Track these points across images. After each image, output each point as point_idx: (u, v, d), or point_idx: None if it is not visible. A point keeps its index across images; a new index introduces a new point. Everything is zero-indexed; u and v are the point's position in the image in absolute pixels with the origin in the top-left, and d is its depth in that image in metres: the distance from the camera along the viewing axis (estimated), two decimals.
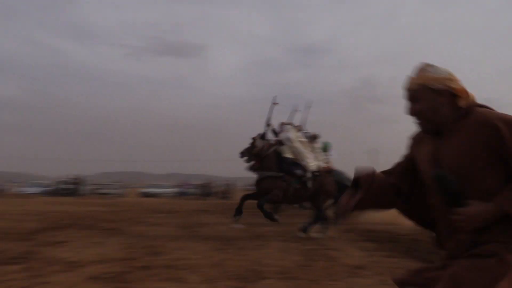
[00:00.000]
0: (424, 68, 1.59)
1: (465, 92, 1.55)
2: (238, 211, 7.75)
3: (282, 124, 8.32)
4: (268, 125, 8.67)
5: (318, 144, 9.10)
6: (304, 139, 8.23)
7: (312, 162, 7.81)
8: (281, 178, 7.53)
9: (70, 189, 31.61)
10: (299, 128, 8.67)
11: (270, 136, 8.65)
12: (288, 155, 7.67)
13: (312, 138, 8.95)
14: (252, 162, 8.06)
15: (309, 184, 7.63)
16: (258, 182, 7.74)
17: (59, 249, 6.06)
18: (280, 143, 7.89)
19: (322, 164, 8.71)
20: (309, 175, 7.62)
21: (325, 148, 9.68)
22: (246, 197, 7.91)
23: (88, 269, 4.80)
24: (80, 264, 5.04)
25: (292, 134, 7.88)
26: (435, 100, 1.54)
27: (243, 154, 8.15)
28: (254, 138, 8.12)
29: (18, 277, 4.40)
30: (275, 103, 8.57)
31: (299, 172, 7.55)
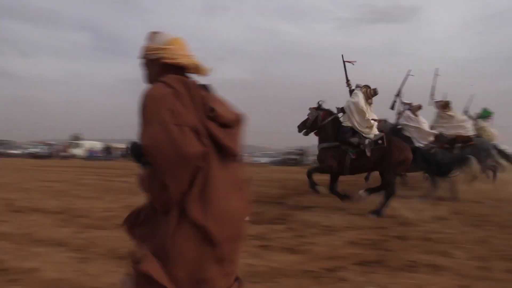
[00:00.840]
0: (149, 37, 1.67)
1: (173, 59, 1.59)
2: (312, 186, 7.23)
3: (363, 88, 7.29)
4: (397, 95, 9.06)
5: (451, 112, 9.22)
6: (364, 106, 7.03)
7: (373, 130, 6.98)
8: (335, 148, 6.99)
9: (296, 159, 34.59)
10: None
11: (399, 107, 9.10)
12: (347, 123, 7.00)
13: (444, 106, 9.16)
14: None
15: (369, 153, 6.79)
16: (318, 154, 7.45)
17: (310, 213, 6.59)
18: (342, 110, 7.25)
19: (462, 132, 9.00)
20: (367, 143, 6.80)
21: (484, 115, 10.22)
22: (310, 171, 7.38)
23: (344, 234, 5.07)
24: (334, 229, 5.37)
25: (356, 100, 7.02)
26: (150, 69, 1.66)
27: (300, 127, 7.63)
28: (309, 109, 7.58)
29: (285, 236, 4.98)
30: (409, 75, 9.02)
31: (354, 140, 6.83)
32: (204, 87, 1.61)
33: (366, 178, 10.00)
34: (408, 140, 8.31)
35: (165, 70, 1.59)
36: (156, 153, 1.39)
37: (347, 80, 7.62)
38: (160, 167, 1.41)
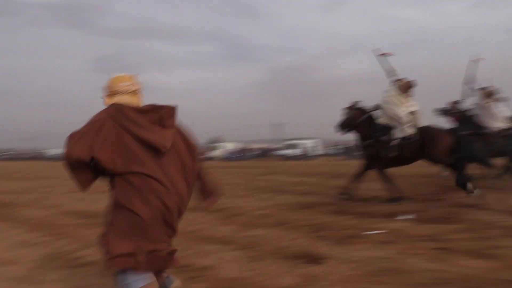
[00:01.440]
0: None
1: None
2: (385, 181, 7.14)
3: None
4: (467, 84, 8.64)
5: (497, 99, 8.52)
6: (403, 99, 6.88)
7: (410, 123, 6.74)
8: (372, 145, 7.06)
9: None
10: None
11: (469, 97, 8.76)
12: (382, 120, 7.03)
13: (488, 94, 8.45)
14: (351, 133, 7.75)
15: (396, 152, 6.75)
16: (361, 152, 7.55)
17: (481, 212, 5.73)
18: (377, 107, 7.24)
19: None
20: (394, 141, 6.75)
21: None
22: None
23: None
24: None
25: (387, 96, 6.97)
26: None
27: (338, 127, 7.78)
28: (344, 109, 7.68)
29: (463, 237, 4.33)
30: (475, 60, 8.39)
31: (385, 138, 6.85)
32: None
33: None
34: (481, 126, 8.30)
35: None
36: None
37: (391, 73, 7.22)
38: None
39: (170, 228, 2.15)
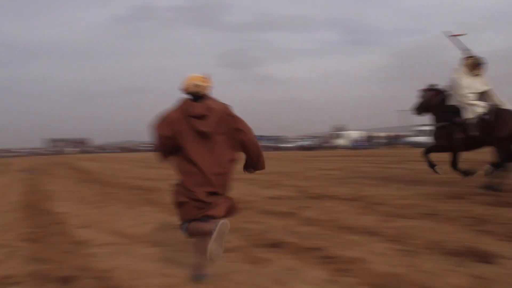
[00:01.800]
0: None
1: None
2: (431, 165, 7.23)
3: None
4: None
5: None
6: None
7: (481, 104, 6.34)
8: (445, 127, 6.91)
9: None
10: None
11: None
12: (453, 102, 6.72)
13: None
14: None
15: (472, 132, 6.36)
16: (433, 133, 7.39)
17: None
18: (450, 89, 6.88)
19: None
20: (469, 122, 6.37)
21: None
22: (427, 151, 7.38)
23: None
24: None
25: (455, 76, 6.63)
26: None
27: (414, 109, 7.74)
28: (421, 91, 7.57)
29: None
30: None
31: (458, 120, 6.57)
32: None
33: None
34: None
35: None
36: None
37: (466, 51, 6.84)
38: None
39: (208, 186, 2.82)
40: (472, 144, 6.69)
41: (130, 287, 2.93)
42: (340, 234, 4.10)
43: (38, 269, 3.39)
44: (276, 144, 49.65)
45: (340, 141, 41.48)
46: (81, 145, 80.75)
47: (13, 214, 6.47)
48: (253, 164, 3.13)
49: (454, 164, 6.97)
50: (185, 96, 2.93)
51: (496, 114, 6.28)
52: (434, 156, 7.19)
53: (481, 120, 6.32)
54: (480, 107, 6.39)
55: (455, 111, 6.69)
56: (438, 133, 7.16)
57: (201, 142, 2.84)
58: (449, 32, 7.20)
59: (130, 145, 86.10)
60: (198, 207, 2.80)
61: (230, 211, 2.98)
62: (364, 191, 6.94)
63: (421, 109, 7.55)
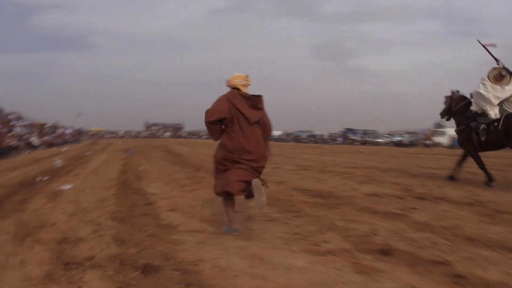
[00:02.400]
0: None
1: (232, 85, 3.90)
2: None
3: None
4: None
5: None
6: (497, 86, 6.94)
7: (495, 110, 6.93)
8: (465, 131, 7.60)
9: None
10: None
11: None
12: (473, 108, 7.42)
13: None
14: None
15: (483, 137, 7.14)
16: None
17: None
18: (472, 96, 7.61)
19: None
20: (481, 128, 7.10)
21: None
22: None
23: None
24: None
25: (479, 88, 7.12)
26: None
27: (441, 114, 8.44)
28: (444, 97, 8.30)
29: None
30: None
31: (473, 125, 7.31)
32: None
33: None
34: None
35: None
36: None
37: (497, 62, 7.26)
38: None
39: (249, 172, 3.76)
40: (488, 145, 7.26)
41: (216, 286, 2.55)
42: (464, 246, 3.35)
43: (120, 253, 3.21)
44: (363, 137, 47.61)
45: (441, 139, 38.12)
46: (174, 130, 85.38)
47: (107, 192, 6.63)
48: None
49: (459, 163, 8.00)
50: (232, 89, 3.90)
51: (508, 121, 6.74)
52: None
53: (491, 126, 6.96)
54: (493, 114, 6.91)
55: (471, 117, 7.38)
56: (459, 137, 7.92)
57: (249, 127, 3.83)
58: (482, 41, 7.56)
59: None
60: (237, 176, 3.80)
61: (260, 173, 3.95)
62: (482, 196, 5.93)
63: (445, 114, 8.22)
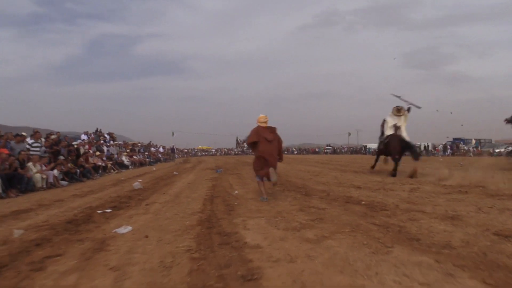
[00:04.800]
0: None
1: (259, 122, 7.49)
2: None
3: None
4: None
5: None
6: None
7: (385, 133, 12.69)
8: (381, 142, 12.18)
9: None
10: None
11: None
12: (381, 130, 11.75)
13: None
14: None
15: (380, 146, 13.15)
16: None
17: None
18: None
19: None
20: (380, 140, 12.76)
21: None
22: None
23: None
24: None
25: (389, 116, 12.64)
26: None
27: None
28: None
29: None
30: None
31: (380, 139, 12.24)
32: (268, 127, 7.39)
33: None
34: None
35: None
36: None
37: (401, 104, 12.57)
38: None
39: (268, 165, 7.09)
40: (388, 153, 12.52)
41: None
42: None
43: None
44: (477, 148, 41.20)
45: None
46: None
47: (180, 242, 4.01)
48: (279, 153, 7.42)
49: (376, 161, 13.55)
50: (258, 124, 7.33)
51: (390, 139, 11.95)
52: None
53: (383, 141, 12.49)
54: (385, 135, 12.40)
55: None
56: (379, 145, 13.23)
57: (269, 143, 7.20)
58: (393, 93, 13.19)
59: (307, 147, 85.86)
60: (264, 168, 7.16)
61: (274, 167, 7.20)
62: None
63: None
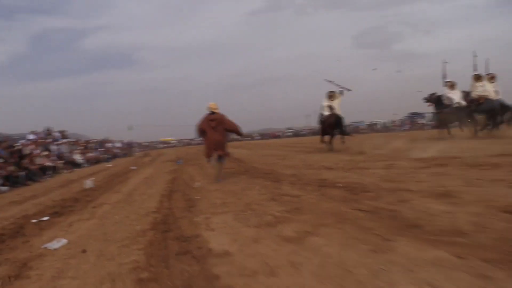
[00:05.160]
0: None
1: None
2: None
3: None
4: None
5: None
6: None
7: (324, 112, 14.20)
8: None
9: None
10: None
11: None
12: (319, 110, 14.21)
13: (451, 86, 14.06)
14: None
15: (319, 122, 14.69)
16: None
17: None
18: None
19: None
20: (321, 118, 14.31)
21: None
22: None
23: None
24: None
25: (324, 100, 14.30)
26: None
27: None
28: None
29: None
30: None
31: (320, 117, 14.22)
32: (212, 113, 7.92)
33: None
34: None
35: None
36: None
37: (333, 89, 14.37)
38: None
39: (215, 148, 7.77)
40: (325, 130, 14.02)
41: None
42: None
43: None
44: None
45: None
46: None
47: (127, 254, 3.15)
48: (235, 133, 8.26)
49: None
50: (208, 111, 7.86)
51: (325, 116, 13.60)
52: None
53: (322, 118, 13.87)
54: (324, 114, 13.73)
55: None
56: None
57: (213, 130, 7.74)
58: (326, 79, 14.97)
59: (269, 132, 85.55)
60: (211, 152, 7.78)
61: (224, 153, 7.93)
62: None
63: None
